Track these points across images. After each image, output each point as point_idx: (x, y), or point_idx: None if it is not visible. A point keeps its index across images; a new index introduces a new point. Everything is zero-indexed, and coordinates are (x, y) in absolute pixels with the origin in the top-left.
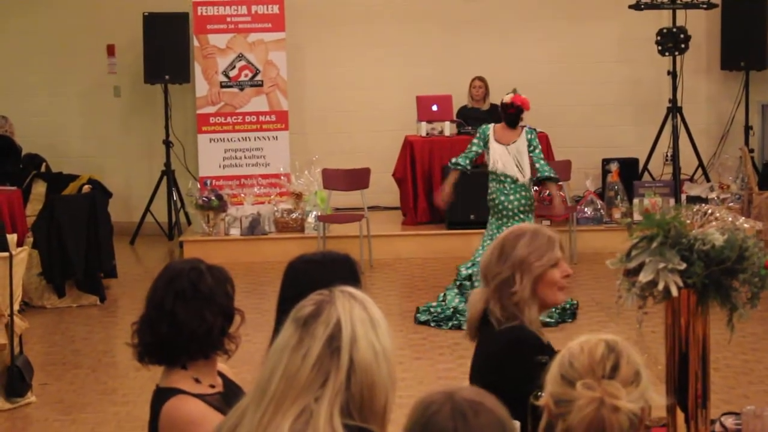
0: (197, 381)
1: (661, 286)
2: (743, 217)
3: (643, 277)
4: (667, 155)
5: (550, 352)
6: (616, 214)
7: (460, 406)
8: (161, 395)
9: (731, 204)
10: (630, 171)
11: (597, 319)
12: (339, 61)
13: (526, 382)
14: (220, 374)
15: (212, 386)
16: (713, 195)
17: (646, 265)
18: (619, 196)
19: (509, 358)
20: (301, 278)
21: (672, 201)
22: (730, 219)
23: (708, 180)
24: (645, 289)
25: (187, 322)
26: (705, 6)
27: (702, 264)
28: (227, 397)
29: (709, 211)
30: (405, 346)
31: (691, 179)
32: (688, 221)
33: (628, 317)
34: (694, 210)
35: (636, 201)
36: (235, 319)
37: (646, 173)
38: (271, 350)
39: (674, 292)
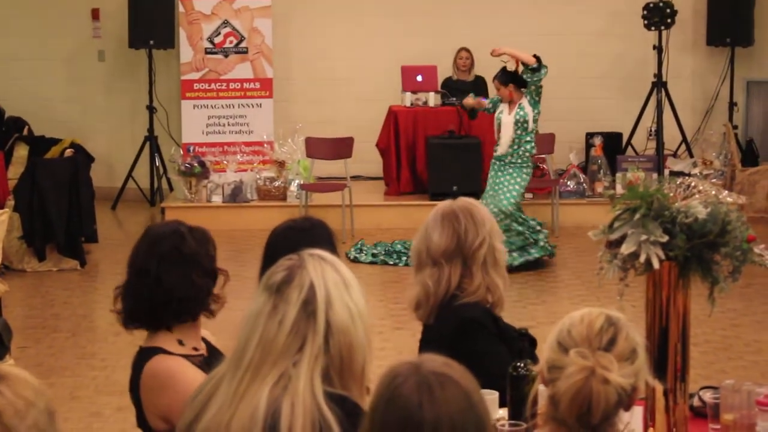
0: (181, 343)
1: (642, 258)
2: (726, 191)
3: (625, 248)
4: (651, 130)
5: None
6: (599, 188)
7: (426, 378)
8: (144, 354)
9: (714, 180)
10: (614, 145)
11: (577, 293)
12: (325, 30)
13: (489, 360)
14: (204, 340)
15: (196, 349)
16: (696, 171)
17: (628, 236)
18: (602, 170)
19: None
20: (278, 245)
21: (655, 176)
22: (713, 192)
23: (691, 156)
24: (627, 261)
25: (175, 286)
26: None
27: (684, 237)
28: (210, 361)
29: (693, 184)
30: (385, 316)
31: (675, 154)
32: (671, 194)
33: (609, 290)
34: (678, 183)
35: (619, 175)
36: (219, 278)
37: (629, 148)
38: (245, 318)
39: (656, 264)
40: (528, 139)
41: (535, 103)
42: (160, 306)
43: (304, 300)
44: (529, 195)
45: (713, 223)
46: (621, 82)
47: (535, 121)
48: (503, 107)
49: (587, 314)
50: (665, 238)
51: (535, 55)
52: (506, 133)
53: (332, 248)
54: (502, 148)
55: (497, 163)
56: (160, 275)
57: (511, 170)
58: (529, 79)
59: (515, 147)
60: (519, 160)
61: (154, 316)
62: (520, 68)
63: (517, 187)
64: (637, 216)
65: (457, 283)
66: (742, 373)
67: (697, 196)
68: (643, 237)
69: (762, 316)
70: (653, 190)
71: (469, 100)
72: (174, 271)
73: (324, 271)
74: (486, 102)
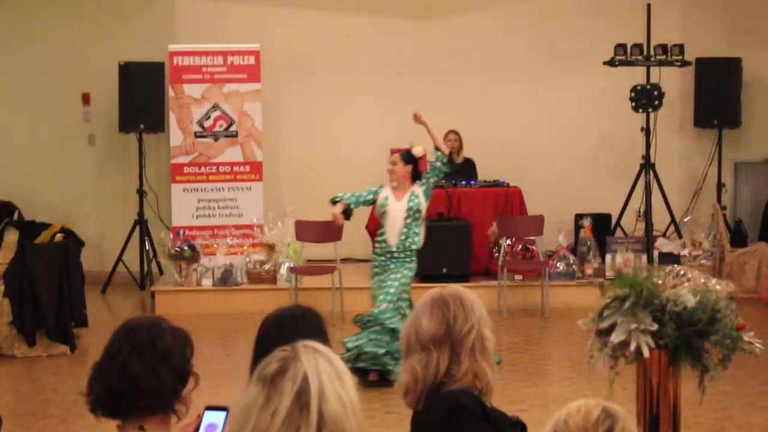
0: None
1: (632, 347)
2: (715, 279)
3: (615, 337)
4: (639, 211)
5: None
6: (589, 270)
7: None
8: None
9: (703, 261)
10: (603, 226)
11: (568, 375)
12: (314, 113)
13: None
14: None
15: None
16: (685, 252)
17: (618, 325)
18: (591, 252)
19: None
20: (270, 335)
21: (644, 257)
22: (702, 280)
23: (680, 237)
24: (617, 350)
25: (139, 375)
26: (679, 64)
27: (674, 325)
28: None
29: (682, 272)
30: (376, 400)
31: (664, 235)
32: (661, 281)
33: (600, 373)
34: (667, 270)
35: (608, 257)
36: (190, 381)
37: (618, 229)
38: (238, 410)
39: (646, 353)
40: (417, 231)
41: (428, 196)
42: (121, 394)
43: (298, 391)
44: (518, 277)
45: (702, 312)
46: (609, 163)
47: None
48: (387, 194)
49: (584, 405)
50: (655, 327)
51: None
52: (395, 223)
53: (323, 337)
54: (391, 239)
55: (381, 258)
56: (128, 362)
57: (392, 266)
58: (437, 168)
59: (402, 238)
60: (403, 255)
61: (117, 404)
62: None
63: (400, 282)
64: (627, 304)
65: (445, 369)
66: None
67: (686, 284)
68: (633, 325)
69: (753, 398)
70: (642, 278)
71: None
72: (143, 361)
73: (318, 363)
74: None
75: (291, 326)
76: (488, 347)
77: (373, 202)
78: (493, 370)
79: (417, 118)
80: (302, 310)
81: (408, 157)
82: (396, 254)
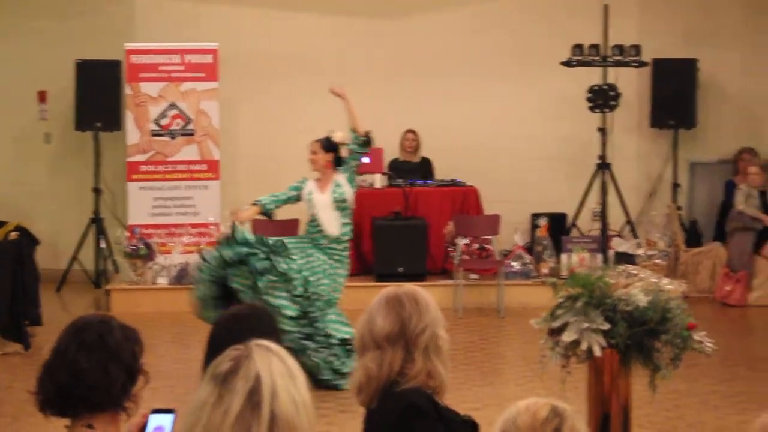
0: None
1: (584, 346)
2: (667, 278)
3: (567, 336)
4: (595, 211)
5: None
6: (544, 269)
7: None
8: None
9: (658, 261)
10: (559, 226)
11: (523, 374)
12: (271, 112)
13: None
14: None
15: None
16: (640, 251)
17: (569, 325)
18: (547, 251)
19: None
20: (223, 334)
21: (600, 257)
22: (653, 280)
23: (636, 236)
24: (568, 349)
25: (88, 372)
26: (636, 64)
27: (625, 324)
28: None
29: (634, 272)
30: (329, 398)
31: (619, 235)
32: (613, 281)
33: (554, 372)
34: (619, 270)
35: (564, 256)
36: (140, 379)
37: (574, 229)
38: (190, 408)
39: (597, 352)
40: (347, 221)
41: (353, 182)
42: (70, 392)
43: (250, 390)
44: (474, 276)
45: (654, 311)
46: (566, 163)
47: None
48: (311, 188)
49: (532, 404)
50: (606, 326)
51: (367, 131)
52: (327, 214)
53: (276, 337)
54: (330, 229)
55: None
56: (77, 359)
57: (332, 260)
58: (355, 151)
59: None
60: (339, 247)
61: (65, 402)
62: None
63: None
64: (579, 304)
65: (399, 367)
66: None
67: (638, 283)
68: (585, 325)
69: (705, 397)
70: (595, 277)
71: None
72: (91, 358)
73: (270, 362)
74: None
75: (244, 326)
76: (442, 347)
77: (297, 199)
78: (447, 370)
79: (336, 91)
80: (255, 309)
81: (328, 144)
82: (330, 247)
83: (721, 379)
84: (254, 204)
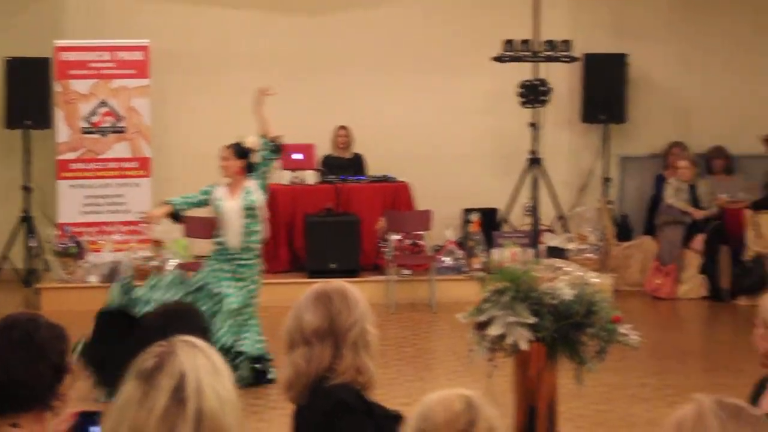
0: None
1: (510, 340)
2: (593, 272)
3: (493, 330)
4: (527, 206)
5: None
6: (476, 264)
7: None
8: None
9: (589, 255)
10: (490, 221)
11: (454, 369)
12: (202, 109)
13: None
14: None
15: None
16: (572, 246)
17: (496, 319)
18: (479, 246)
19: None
20: (150, 331)
21: (531, 251)
22: (579, 273)
23: (567, 231)
24: (495, 343)
25: (14, 369)
26: (567, 60)
27: (551, 318)
28: None
29: (560, 266)
30: (261, 395)
31: (551, 230)
32: (540, 275)
33: (484, 367)
34: (546, 264)
35: (495, 251)
36: (67, 378)
37: (506, 223)
38: (114, 406)
39: (523, 345)
40: (257, 228)
41: (264, 189)
42: None
43: (175, 387)
44: (406, 271)
45: (579, 304)
46: (498, 159)
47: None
48: (220, 194)
49: (445, 397)
50: (532, 320)
51: (276, 137)
52: (233, 223)
53: (204, 333)
54: (232, 241)
55: (219, 260)
56: (3, 356)
57: (235, 270)
58: (266, 158)
59: (243, 238)
60: (246, 256)
61: None
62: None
63: (249, 290)
64: (505, 298)
65: (327, 363)
66: None
67: (563, 277)
68: (511, 319)
69: (635, 390)
70: (521, 272)
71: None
72: (17, 355)
73: (195, 358)
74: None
75: (171, 323)
76: (371, 342)
77: (206, 204)
78: (376, 365)
79: (264, 93)
80: (182, 307)
81: (240, 150)
82: (237, 256)
83: (650, 372)
84: (165, 203)
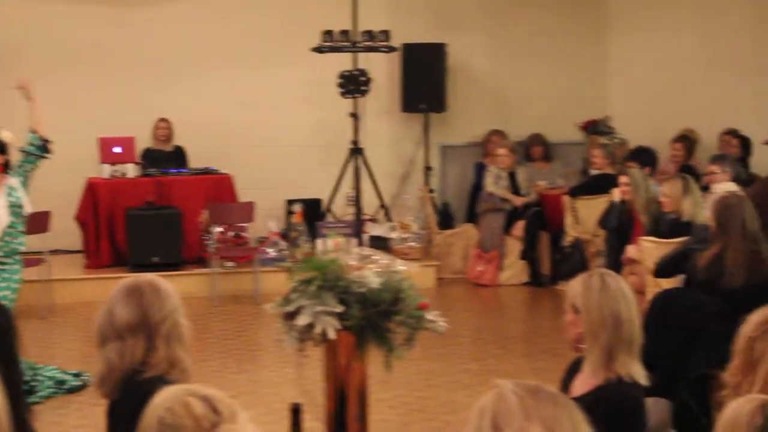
0: None
1: (318, 329)
2: (400, 260)
3: (301, 320)
4: (350, 196)
5: None
6: (300, 255)
7: None
8: None
9: (412, 243)
10: (314, 212)
11: (278, 360)
12: (19, 104)
13: None
14: None
15: None
16: (394, 235)
17: (304, 308)
18: (302, 237)
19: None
20: None
21: (355, 241)
22: (386, 262)
23: (390, 220)
24: (304, 332)
25: None
26: (385, 50)
27: (359, 306)
28: None
29: (367, 254)
30: (84, 391)
31: (374, 219)
32: (350, 263)
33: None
34: (354, 252)
35: (319, 241)
36: None
37: (329, 214)
38: None
39: (331, 334)
40: (21, 229)
41: (27, 188)
42: None
43: None
44: (230, 264)
45: (387, 292)
46: (320, 149)
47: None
48: None
49: (181, 404)
50: (340, 309)
51: (46, 138)
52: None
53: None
54: None
55: None
56: None
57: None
58: (29, 156)
59: (7, 239)
60: (10, 260)
61: None
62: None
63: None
64: (313, 287)
65: (141, 357)
66: None
67: (371, 266)
68: (318, 308)
69: (457, 376)
70: (328, 261)
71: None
72: None
73: None
74: None
75: None
76: (184, 334)
77: None
78: (190, 357)
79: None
80: None
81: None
82: (4, 257)
83: (472, 357)
84: None
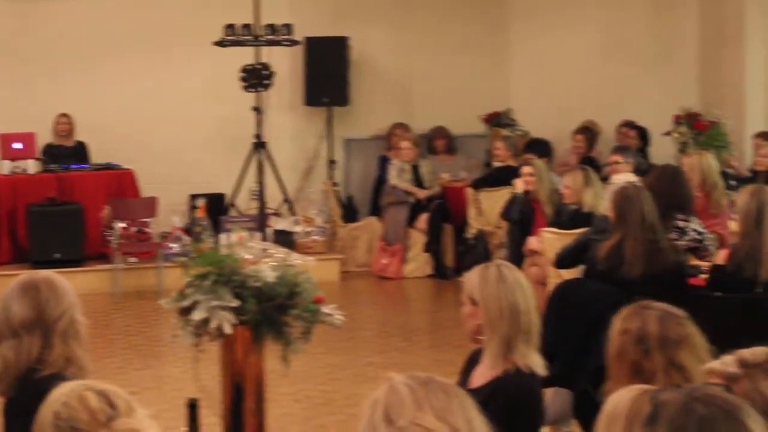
0: None
1: (214, 324)
2: (296, 254)
3: (196, 315)
4: (253, 190)
5: None
6: (196, 250)
7: None
8: None
9: (316, 237)
10: (217, 206)
11: (182, 356)
12: None
13: None
14: None
15: None
16: (298, 229)
17: (199, 303)
18: (206, 232)
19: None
20: None
21: (259, 235)
22: (282, 256)
23: (294, 214)
24: (199, 327)
25: None
26: (288, 43)
27: (255, 300)
28: None
29: (263, 248)
30: None
31: (277, 213)
32: (245, 257)
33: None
34: (249, 246)
35: (223, 236)
36: None
37: (233, 208)
38: None
39: (227, 329)
40: None
41: None
42: None
43: None
44: (133, 259)
45: (282, 286)
46: (223, 143)
47: None
48: None
49: (79, 399)
50: (236, 303)
51: None
52: None
53: None
54: None
55: None
56: None
57: None
58: None
59: None
60: None
61: None
62: None
63: None
64: (208, 282)
65: (37, 354)
66: (342, 428)
67: (267, 259)
68: (214, 303)
69: (361, 369)
70: (223, 255)
71: None
72: None
73: None
74: None
75: None
76: (80, 331)
77: None
78: (87, 354)
79: None
80: None
81: None
82: None
83: (377, 350)
84: None
